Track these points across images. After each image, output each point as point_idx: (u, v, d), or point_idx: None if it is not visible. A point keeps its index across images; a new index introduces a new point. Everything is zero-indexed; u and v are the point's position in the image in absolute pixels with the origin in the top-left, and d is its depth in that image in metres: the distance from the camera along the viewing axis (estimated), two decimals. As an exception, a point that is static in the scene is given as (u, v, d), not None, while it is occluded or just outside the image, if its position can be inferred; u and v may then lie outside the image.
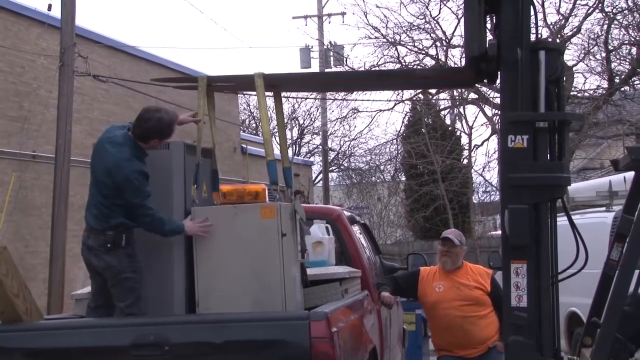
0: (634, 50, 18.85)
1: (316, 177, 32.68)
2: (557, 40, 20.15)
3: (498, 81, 4.45)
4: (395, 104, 21.76)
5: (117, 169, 4.63)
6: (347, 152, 30.75)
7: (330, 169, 29.81)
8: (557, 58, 4.29)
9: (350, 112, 25.04)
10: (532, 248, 4.24)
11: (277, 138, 5.60)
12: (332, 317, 4.23)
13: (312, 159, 33.12)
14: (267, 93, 5.03)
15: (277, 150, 5.47)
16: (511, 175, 4.24)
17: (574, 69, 19.72)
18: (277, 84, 5.13)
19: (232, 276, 4.65)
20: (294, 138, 33.63)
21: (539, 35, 4.61)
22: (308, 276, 4.99)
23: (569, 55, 20.41)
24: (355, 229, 6.50)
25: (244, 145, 21.18)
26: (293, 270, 4.68)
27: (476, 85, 20.56)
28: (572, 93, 19.62)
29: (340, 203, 28.00)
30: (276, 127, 5.42)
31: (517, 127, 4.23)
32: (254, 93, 4.95)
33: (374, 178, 28.26)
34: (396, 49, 20.02)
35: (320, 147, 28.40)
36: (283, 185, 5.04)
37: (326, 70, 23.14)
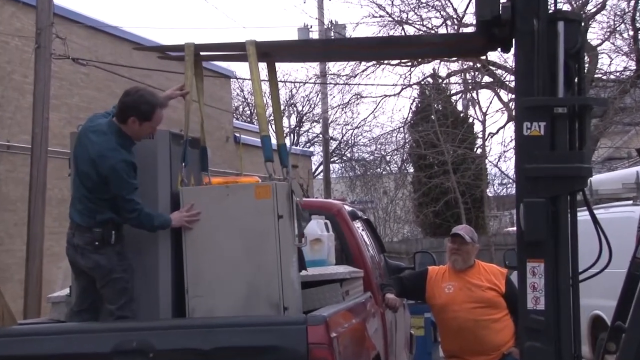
0: (665, 27, 18.84)
1: (316, 169, 32.66)
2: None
3: (512, 50, 4.42)
4: (402, 89, 21.76)
5: (102, 159, 4.63)
6: (350, 142, 30.74)
7: (332, 159, 29.76)
8: (577, 30, 4.23)
9: (353, 97, 25.03)
10: (550, 245, 4.22)
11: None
12: (331, 321, 4.23)
13: (311, 149, 33.13)
14: (261, 64, 5.00)
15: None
16: (527, 165, 4.21)
17: (599, 49, 19.69)
18: (271, 52, 5.11)
19: (224, 261, 4.67)
20: (292, 126, 33.65)
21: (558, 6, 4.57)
22: (305, 277, 5.00)
23: (593, 34, 20.38)
24: (358, 225, 6.51)
25: (238, 134, 21.09)
26: (290, 255, 4.69)
27: (491, 67, 20.62)
28: (596, 75, 19.58)
29: (343, 197, 27.98)
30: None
31: (533, 113, 4.20)
32: (247, 71, 4.95)
33: (379, 169, 28.24)
34: (403, 29, 19.99)
35: (321, 136, 28.36)
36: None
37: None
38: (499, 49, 4.69)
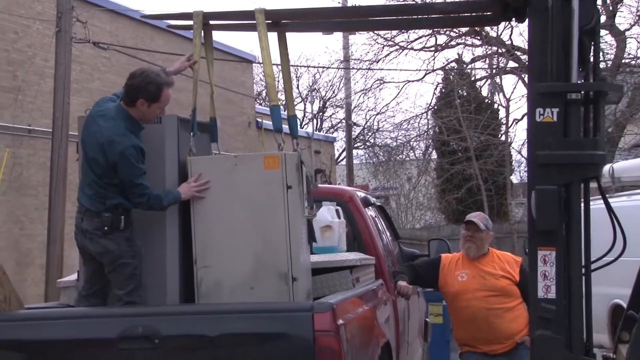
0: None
1: (339, 155, 32.60)
2: (607, 2, 19.83)
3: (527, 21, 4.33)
4: (426, 74, 21.67)
5: (111, 145, 4.63)
6: (373, 127, 30.64)
7: (355, 145, 29.70)
8: (592, 6, 4.15)
9: (376, 82, 24.92)
10: (562, 233, 4.18)
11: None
12: (338, 308, 4.20)
13: (334, 134, 33.07)
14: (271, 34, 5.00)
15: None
16: (539, 152, 4.15)
17: (627, 33, 19.41)
18: (281, 20, 5.06)
19: (232, 232, 4.70)
20: (315, 112, 33.58)
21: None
22: (315, 264, 5.01)
23: (621, 19, 20.09)
24: (370, 212, 6.48)
25: (260, 120, 21.10)
26: (299, 226, 4.71)
27: (516, 52, 20.41)
28: (624, 61, 19.30)
29: (366, 183, 27.94)
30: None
31: (546, 99, 4.13)
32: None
33: (402, 156, 28.12)
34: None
35: (344, 121, 28.32)
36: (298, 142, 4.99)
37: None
38: (514, 19, 4.60)
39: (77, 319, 4.38)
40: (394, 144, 28.02)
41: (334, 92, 34.18)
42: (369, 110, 31.61)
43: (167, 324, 4.17)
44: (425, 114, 23.80)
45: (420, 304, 7.70)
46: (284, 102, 5.82)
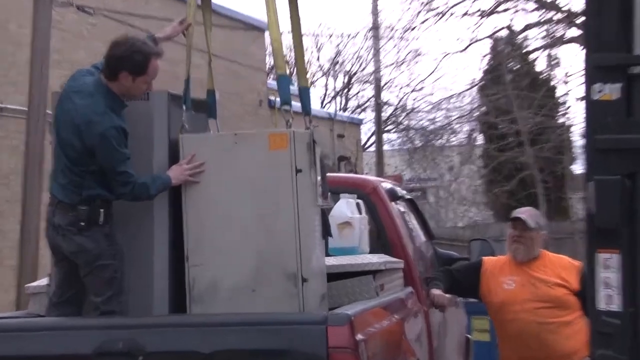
0: None
1: (367, 140, 32.62)
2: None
3: None
4: (470, 44, 21.54)
5: (89, 126, 4.63)
6: (407, 107, 30.58)
7: (386, 128, 29.67)
8: None
9: (410, 54, 24.86)
10: (627, 232, 4.13)
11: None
12: (357, 320, 4.16)
13: (361, 115, 33.07)
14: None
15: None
16: (597, 136, 4.10)
17: None
18: None
19: (230, 223, 4.70)
20: (339, 89, 33.58)
21: None
22: (331, 268, 4.98)
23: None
24: (399, 206, 6.45)
25: (273, 98, 21.07)
26: (310, 217, 4.71)
27: (576, 20, 20.25)
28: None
29: (398, 173, 27.90)
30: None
31: (604, 74, 4.07)
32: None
33: (442, 140, 28.09)
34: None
35: (373, 100, 28.26)
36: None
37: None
38: None
39: (46, 331, 4.35)
40: (432, 126, 27.99)
41: (360, 65, 34.28)
42: (402, 87, 31.59)
43: (153, 338, 4.15)
44: (469, 92, 23.77)
45: (460, 317, 7.66)
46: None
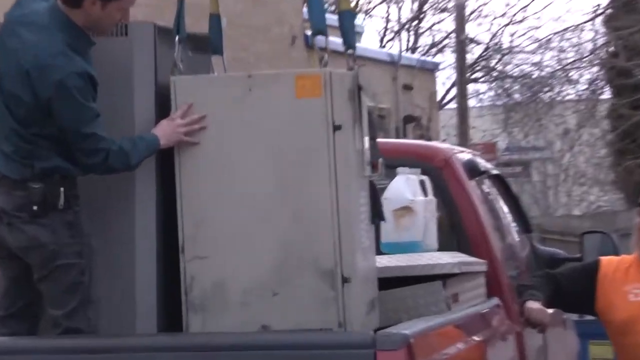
0: None
1: (445, 93, 32.55)
2: None
3: None
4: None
5: (43, 72, 4.65)
6: (503, 46, 30.46)
7: (472, 76, 29.57)
8: None
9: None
10: None
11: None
12: (418, 343, 4.16)
13: (437, 58, 32.99)
14: None
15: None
16: None
17: None
18: None
19: (242, 201, 4.74)
20: (405, 21, 33.42)
21: None
22: (383, 271, 5.02)
23: None
24: (482, 186, 6.46)
25: (309, 33, 21.10)
26: (354, 193, 4.73)
27: None
28: None
29: (490, 141, 27.79)
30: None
31: None
32: None
33: (551, 93, 27.97)
34: None
35: (453, 36, 28.18)
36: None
37: None
38: None
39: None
40: (538, 73, 27.85)
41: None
42: (495, 18, 31.47)
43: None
44: (590, 24, 23.62)
45: (570, 341, 7.71)
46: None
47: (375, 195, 4.97)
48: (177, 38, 4.92)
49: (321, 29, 4.89)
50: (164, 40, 4.91)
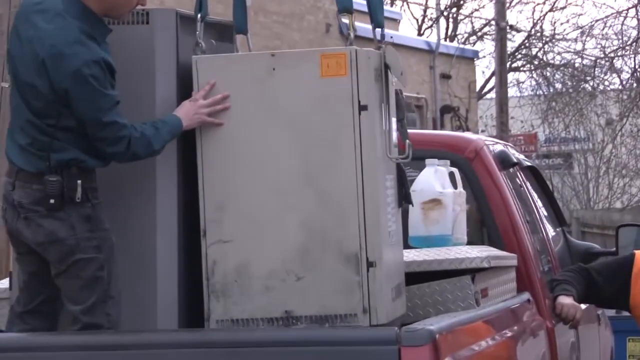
0: None
1: (485, 82, 32.40)
2: None
3: None
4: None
5: (59, 61, 4.65)
6: (545, 34, 30.29)
7: (512, 65, 29.42)
8: None
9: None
10: None
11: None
12: (444, 339, 4.19)
13: (477, 46, 32.87)
14: None
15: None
16: None
17: None
18: None
19: (265, 183, 4.79)
20: (443, 7, 33.30)
21: None
22: (410, 265, 5.03)
23: None
24: (514, 178, 6.43)
25: (346, 21, 21.05)
26: (380, 175, 4.74)
27: None
28: None
29: (531, 131, 27.64)
30: None
31: None
32: None
33: (593, 83, 27.79)
34: None
35: (494, 24, 28.05)
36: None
37: None
38: None
39: (6, 353, 4.44)
40: (580, 62, 27.69)
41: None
42: (536, 5, 31.30)
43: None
44: (635, 10, 23.45)
45: (604, 337, 7.68)
46: None
47: (402, 178, 5.01)
48: (198, 16, 4.94)
49: (347, 7, 4.88)
50: (186, 27, 4.94)
